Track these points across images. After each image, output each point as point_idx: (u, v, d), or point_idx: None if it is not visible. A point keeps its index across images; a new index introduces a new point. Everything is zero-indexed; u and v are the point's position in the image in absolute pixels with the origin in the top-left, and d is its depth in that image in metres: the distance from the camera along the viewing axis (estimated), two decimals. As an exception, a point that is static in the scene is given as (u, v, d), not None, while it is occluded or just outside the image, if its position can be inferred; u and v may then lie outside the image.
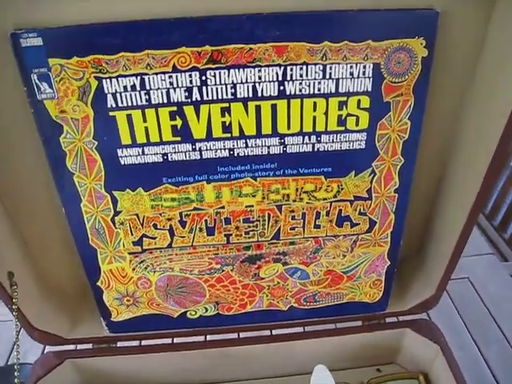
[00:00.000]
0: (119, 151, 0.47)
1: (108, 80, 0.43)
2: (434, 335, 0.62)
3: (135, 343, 0.63)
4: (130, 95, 0.44)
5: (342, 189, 0.51)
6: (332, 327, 0.63)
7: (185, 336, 0.62)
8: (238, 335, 0.67)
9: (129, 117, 0.45)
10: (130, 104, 0.44)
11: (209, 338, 0.64)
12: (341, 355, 0.64)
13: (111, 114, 0.45)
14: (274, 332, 0.63)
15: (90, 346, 0.62)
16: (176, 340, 0.66)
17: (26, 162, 0.50)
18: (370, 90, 0.46)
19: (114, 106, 0.44)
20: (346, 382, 0.62)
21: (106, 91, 0.43)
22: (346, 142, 0.48)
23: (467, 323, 0.84)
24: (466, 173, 0.53)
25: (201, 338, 0.64)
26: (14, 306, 0.54)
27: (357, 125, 0.48)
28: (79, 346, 0.63)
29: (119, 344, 0.62)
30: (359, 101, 0.46)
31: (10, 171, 0.50)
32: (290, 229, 0.53)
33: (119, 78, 0.43)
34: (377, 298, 0.61)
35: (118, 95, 0.44)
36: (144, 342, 0.64)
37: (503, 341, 0.81)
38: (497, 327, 0.84)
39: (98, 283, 0.56)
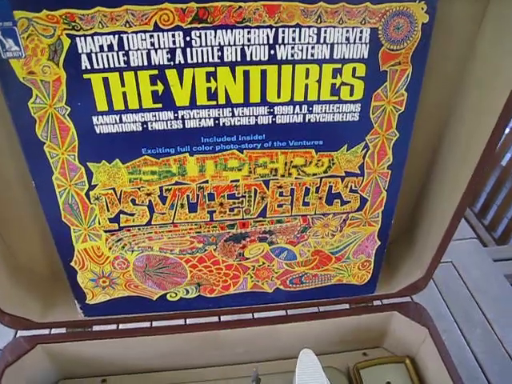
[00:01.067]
0: (94, 119, 0.43)
1: (82, 38, 0.39)
2: (423, 318, 0.60)
3: (111, 327, 0.59)
4: (107, 56, 0.40)
5: (334, 164, 0.48)
6: (317, 310, 0.61)
7: (163, 319, 0.59)
8: (219, 318, 0.64)
9: (105, 80, 0.41)
10: (106, 66, 0.40)
11: (189, 321, 0.61)
12: (326, 339, 0.62)
13: (86, 76, 0.41)
14: (258, 315, 0.61)
15: (63, 330, 0.58)
16: (154, 324, 0.62)
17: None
18: (366, 57, 0.43)
19: (88, 67, 0.40)
20: (332, 367, 0.60)
21: (80, 51, 0.39)
22: (338, 113, 0.46)
23: (450, 307, 0.83)
24: (461, 153, 0.50)
25: (180, 322, 0.61)
26: (-21, 287, 0.50)
27: (351, 95, 0.45)
28: (52, 331, 0.59)
29: (95, 328, 0.58)
30: (354, 69, 0.44)
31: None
32: (278, 206, 0.50)
33: (95, 37, 0.39)
34: (365, 280, 0.59)
35: (93, 55, 0.40)
36: (121, 326, 0.60)
37: (486, 324, 0.81)
38: (480, 311, 0.83)
39: (72, 263, 0.52)
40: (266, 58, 0.42)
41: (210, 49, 0.41)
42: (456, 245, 0.93)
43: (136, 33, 0.39)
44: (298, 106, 0.45)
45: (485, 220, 1.34)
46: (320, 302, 0.60)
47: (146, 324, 0.61)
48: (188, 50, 0.40)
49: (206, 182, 0.48)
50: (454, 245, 0.94)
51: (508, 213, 1.31)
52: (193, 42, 0.40)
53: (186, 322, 0.62)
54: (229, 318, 0.60)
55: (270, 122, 0.45)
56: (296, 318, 0.60)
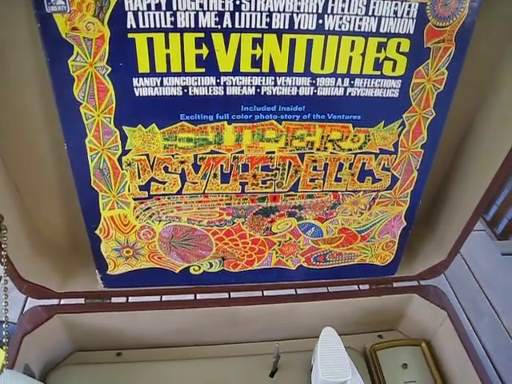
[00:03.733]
0: (135, 80, 0.42)
1: (130, -5, 0.38)
2: (442, 301, 0.60)
3: (130, 300, 0.58)
4: (154, 15, 0.39)
5: (369, 140, 0.48)
6: (337, 290, 0.61)
7: (174, 294, 0.59)
8: (229, 295, 0.64)
9: (150, 41, 0.40)
10: (152, 26, 0.39)
11: (207, 296, 0.60)
12: (344, 320, 0.62)
13: (130, 35, 0.40)
14: (277, 293, 0.60)
15: (81, 301, 0.57)
16: (167, 298, 0.61)
17: (27, 88, 0.44)
18: (411, 32, 0.43)
19: (134, 26, 0.39)
20: (350, 347, 0.60)
21: (127, 8, 0.38)
22: (379, 88, 0.45)
23: (459, 297, 0.84)
24: (490, 142, 0.51)
25: (199, 297, 0.60)
26: (2, 252, 0.49)
27: (393, 70, 0.44)
28: (69, 301, 0.58)
29: (113, 300, 0.58)
30: (399, 44, 0.43)
31: (6, 101, 0.45)
32: (310, 180, 0.50)
33: (143, -6, 0.38)
34: (387, 260, 0.59)
35: (139, 14, 0.39)
36: (139, 299, 0.59)
37: (494, 315, 0.81)
38: (487, 302, 0.84)
39: (97, 231, 0.51)
40: (314, 27, 0.41)
41: (258, 14, 0.40)
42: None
43: (185, -7, 0.39)
44: (340, 79, 0.44)
45: (487, 216, 1.36)
46: (341, 282, 0.60)
47: (165, 298, 0.60)
48: (237, 14, 0.40)
49: (242, 152, 0.47)
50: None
51: (508, 212, 1.33)
52: (242, 6, 0.39)
53: (195, 297, 0.61)
54: (248, 294, 0.60)
55: (312, 93, 0.44)
56: (316, 297, 0.60)
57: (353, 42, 0.42)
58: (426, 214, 0.62)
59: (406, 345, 0.62)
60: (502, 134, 0.48)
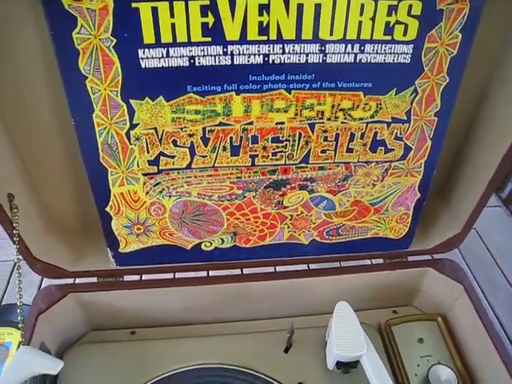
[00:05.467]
0: (140, 52, 0.41)
1: (132, -37, 0.37)
2: (458, 275, 0.59)
3: (142, 277, 0.58)
4: (158, -17, 0.38)
5: (381, 108, 0.47)
6: (350, 264, 0.60)
7: (187, 271, 0.58)
8: (241, 271, 0.64)
9: (154, 10, 0.39)
10: (156, -6, 0.39)
11: (219, 273, 0.60)
12: (358, 295, 0.62)
13: (134, 5, 0.39)
14: (290, 268, 0.60)
15: (94, 279, 0.57)
16: (179, 275, 0.61)
17: (31, 64, 0.44)
18: (423, -7, 0.41)
19: (137, -5, 0.39)
20: (364, 322, 0.60)
21: (130, -23, 0.38)
22: (390, 54, 0.44)
23: (474, 272, 0.83)
24: (509, 107, 0.49)
25: (203, 274, 0.60)
26: (14, 231, 0.49)
27: (404, 34, 0.43)
28: (82, 281, 0.58)
29: (126, 278, 0.58)
30: (410, 6, 0.42)
31: (12, 77, 0.44)
32: (321, 151, 0.49)
33: (146, -38, 0.37)
34: (402, 233, 0.58)
35: (142, -18, 0.38)
36: (151, 277, 0.59)
37: (509, 288, 0.81)
38: (503, 276, 0.83)
39: (107, 208, 0.51)
40: (322, -10, 0.40)
41: (264, -21, 0.39)
42: (479, 212, 0.92)
43: (189, -42, 0.38)
44: (349, 45, 0.43)
45: (502, 194, 1.33)
46: (354, 256, 0.59)
47: (178, 275, 0.60)
48: (242, -21, 0.39)
49: (251, 123, 0.46)
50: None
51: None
52: (247, -30, 0.38)
53: (208, 273, 0.61)
54: (260, 270, 0.60)
55: (321, 60, 0.43)
56: (329, 272, 0.59)
57: (362, 5, 0.41)
58: (441, 187, 0.61)
59: (421, 319, 0.61)
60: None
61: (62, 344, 0.58)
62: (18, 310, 0.48)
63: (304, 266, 0.60)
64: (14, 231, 0.49)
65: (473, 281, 0.81)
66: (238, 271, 0.60)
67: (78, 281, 0.59)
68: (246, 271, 0.60)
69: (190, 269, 0.58)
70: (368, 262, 0.61)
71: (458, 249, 0.86)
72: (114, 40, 0.40)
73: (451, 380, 0.54)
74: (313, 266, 0.60)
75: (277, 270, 0.64)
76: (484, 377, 0.55)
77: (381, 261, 0.61)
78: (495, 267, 0.84)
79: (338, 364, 0.52)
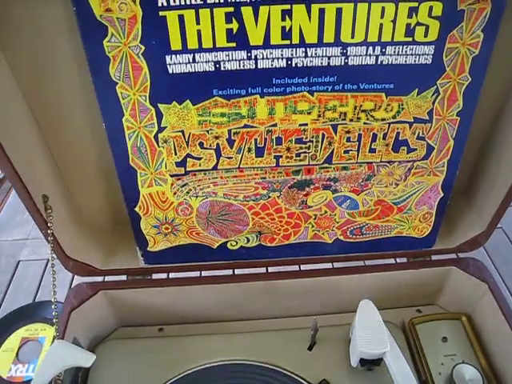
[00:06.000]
0: (168, 58, 0.43)
1: (160, -27, 0.39)
2: (482, 274, 0.59)
3: (171, 275, 0.60)
4: (184, -8, 0.40)
5: (403, 109, 0.48)
6: (374, 263, 0.61)
7: (213, 269, 0.60)
8: (267, 269, 0.65)
9: (180, 18, 0.41)
10: (182, 3, 0.40)
11: (245, 271, 0.61)
12: (382, 294, 0.62)
13: (161, 13, 0.40)
14: (314, 267, 0.61)
15: (124, 278, 0.59)
16: (204, 274, 0.63)
17: (65, 71, 0.46)
18: (444, -6, 0.42)
19: (165, 4, 0.40)
20: (388, 321, 0.60)
21: (158, -14, 0.39)
22: (412, 55, 0.45)
23: (501, 272, 0.82)
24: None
25: (229, 272, 0.61)
26: (48, 231, 0.51)
27: (425, 36, 0.44)
28: (112, 278, 0.60)
29: (154, 276, 0.59)
30: (431, 8, 0.42)
31: (48, 84, 0.47)
32: (344, 152, 0.50)
33: (172, -28, 0.39)
34: (425, 232, 0.58)
35: (170, -9, 0.40)
36: (180, 275, 0.61)
37: (537, 290, 0.79)
38: (531, 277, 0.82)
39: (136, 209, 0.53)
40: (343, -5, 0.41)
41: (286, -15, 0.40)
42: (507, 211, 0.91)
43: (214, -32, 0.39)
44: (371, 47, 0.44)
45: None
46: (378, 255, 0.60)
47: (204, 273, 0.62)
48: (265, -14, 0.40)
49: (275, 125, 0.47)
50: (504, 211, 0.93)
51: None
52: (270, -23, 0.40)
53: (234, 272, 0.62)
54: (285, 268, 0.61)
55: (343, 63, 0.44)
56: (353, 270, 0.60)
57: (383, 8, 0.42)
58: (465, 186, 0.61)
59: (445, 319, 0.62)
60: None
61: (93, 340, 0.60)
62: (53, 306, 0.50)
63: (328, 265, 0.61)
64: (49, 231, 0.51)
65: (499, 280, 0.80)
66: (263, 270, 0.62)
67: (107, 279, 0.61)
68: (270, 270, 0.61)
69: (215, 267, 0.59)
70: (392, 260, 0.61)
71: (484, 248, 0.87)
72: (143, 47, 0.42)
73: (476, 379, 0.54)
74: (337, 265, 0.61)
75: (301, 268, 0.65)
76: (509, 376, 0.54)
77: (405, 260, 0.61)
78: (523, 267, 0.83)
79: (362, 361, 0.53)
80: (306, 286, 0.60)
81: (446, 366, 0.57)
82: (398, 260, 0.61)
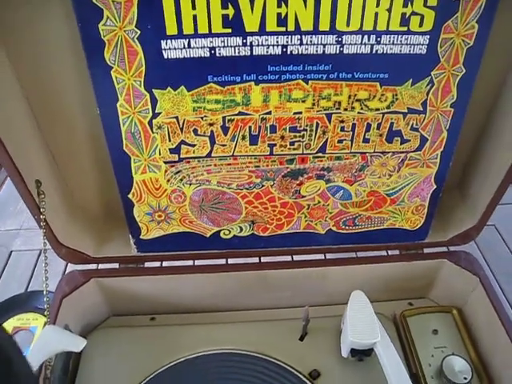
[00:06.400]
0: (163, 43, 0.43)
1: (157, -44, 0.39)
2: (474, 267, 0.59)
3: (163, 264, 0.60)
4: (180, -24, 0.40)
5: (397, 99, 0.48)
6: (366, 255, 0.61)
7: (206, 258, 0.60)
8: (259, 259, 0.65)
9: (176, 2, 0.41)
10: (179, -14, 0.40)
11: (238, 261, 0.61)
12: (374, 286, 0.62)
13: (157, -3, 0.41)
14: (307, 257, 0.61)
15: (116, 266, 0.59)
16: (198, 263, 0.63)
17: (59, 55, 0.46)
18: (439, -16, 0.42)
19: (161, -13, 0.40)
20: (379, 313, 0.60)
21: (154, -30, 0.39)
22: (406, 45, 0.45)
23: (493, 269, 0.82)
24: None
25: (223, 261, 0.61)
26: (41, 216, 0.51)
27: (420, 25, 0.44)
28: (105, 266, 0.60)
29: (147, 265, 0.59)
30: (427, -3, 0.43)
31: (41, 67, 0.47)
32: (338, 141, 0.50)
33: (169, -45, 0.39)
34: (418, 225, 0.58)
35: (166, -25, 0.40)
36: (171, 264, 0.61)
37: (529, 287, 0.80)
38: (523, 274, 0.82)
39: (130, 195, 0.53)
40: (339, -18, 0.41)
41: (282, -29, 0.40)
42: (500, 209, 0.91)
43: (211, -48, 0.39)
44: (366, 36, 0.44)
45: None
46: (370, 247, 0.60)
47: (197, 262, 0.62)
48: (261, -29, 0.40)
49: (269, 113, 0.47)
50: (497, 209, 0.93)
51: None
52: (266, -37, 0.40)
53: (227, 261, 0.63)
54: (277, 258, 0.61)
55: (338, 51, 0.44)
56: (345, 262, 0.60)
57: (378, -4, 0.42)
58: (458, 179, 0.61)
59: (436, 311, 0.62)
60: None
61: (85, 328, 0.60)
62: (44, 292, 0.50)
63: (321, 256, 0.61)
64: (41, 216, 0.51)
65: (491, 277, 0.80)
66: (255, 259, 0.62)
67: (100, 267, 0.61)
68: (263, 260, 0.61)
69: (208, 256, 0.59)
70: (384, 252, 0.61)
71: (476, 245, 0.87)
72: (138, 31, 0.42)
73: (465, 370, 0.54)
74: (330, 256, 0.61)
75: (294, 258, 0.65)
76: (498, 368, 0.55)
77: (397, 252, 0.61)
78: (515, 264, 0.83)
79: (353, 352, 0.53)
80: (298, 276, 0.60)
81: (436, 358, 0.57)
82: (391, 252, 0.62)
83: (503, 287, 0.79)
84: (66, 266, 0.78)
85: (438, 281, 0.64)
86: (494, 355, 0.56)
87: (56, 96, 0.49)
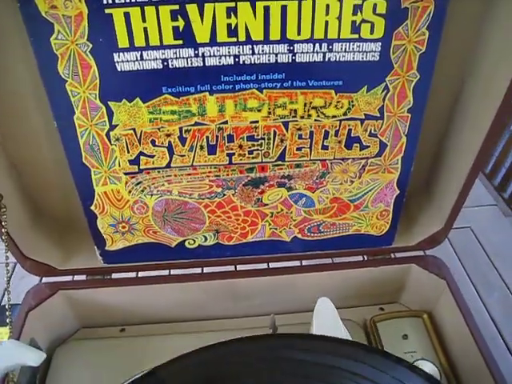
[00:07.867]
0: (116, 55, 0.43)
1: (104, -30, 0.39)
2: (441, 271, 0.60)
3: (131, 275, 0.60)
4: (128, -11, 0.40)
5: (353, 106, 0.48)
6: (334, 261, 0.61)
7: (181, 268, 0.60)
8: (235, 268, 0.65)
9: (127, 15, 0.41)
10: (127, 0, 0.40)
11: (205, 270, 0.61)
12: (343, 292, 0.62)
13: (107, 11, 0.41)
14: (274, 265, 0.61)
15: (83, 277, 0.59)
16: (172, 272, 0.63)
17: (17, 69, 0.46)
18: (387, -8, 0.42)
19: (110, 1, 0.40)
20: (349, 319, 0.60)
21: (102, -16, 0.40)
22: (359, 52, 0.45)
23: (468, 271, 0.83)
24: (481, 99, 0.50)
25: (198, 270, 0.61)
26: (3, 230, 0.51)
27: (371, 33, 0.44)
28: (72, 278, 0.60)
29: (114, 276, 0.59)
30: (375, 5, 0.43)
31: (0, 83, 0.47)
32: (297, 149, 0.50)
33: (116, -31, 0.39)
34: (384, 230, 0.58)
35: (114, -11, 0.40)
36: (140, 274, 0.61)
37: (504, 288, 0.80)
38: (498, 275, 0.83)
39: (92, 207, 0.53)
40: (287, -8, 0.41)
41: (230, -18, 0.41)
42: (475, 211, 0.92)
43: (157, -34, 0.39)
44: (317, 44, 0.44)
45: (505, 193, 1.32)
46: (337, 253, 0.60)
47: (165, 272, 0.62)
48: (208, -17, 0.40)
49: (226, 122, 0.48)
50: (473, 211, 0.94)
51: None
52: (213, -25, 0.40)
53: (202, 270, 0.63)
54: (245, 267, 0.61)
55: (290, 60, 0.45)
56: (312, 269, 0.60)
57: (327, 5, 0.42)
58: (424, 183, 0.62)
59: (406, 316, 0.62)
60: (490, 94, 0.47)
61: (54, 341, 0.60)
62: (6, 306, 0.50)
63: (289, 263, 0.61)
64: (3, 230, 0.51)
65: (467, 280, 0.81)
66: (225, 268, 0.61)
67: (68, 279, 0.61)
68: (230, 268, 0.61)
69: (176, 266, 0.59)
70: (352, 258, 0.61)
71: (452, 248, 0.87)
72: (90, 45, 0.42)
73: (433, 375, 0.54)
74: (297, 264, 0.61)
75: (270, 266, 0.65)
76: (465, 372, 0.55)
77: (365, 258, 0.61)
78: (491, 266, 0.84)
79: (320, 359, 0.53)
80: (266, 285, 0.60)
81: (405, 363, 0.57)
82: (358, 258, 0.62)
83: (478, 289, 0.79)
84: (41, 279, 0.78)
85: (408, 286, 0.64)
86: (462, 359, 0.56)
87: (16, 109, 0.49)
